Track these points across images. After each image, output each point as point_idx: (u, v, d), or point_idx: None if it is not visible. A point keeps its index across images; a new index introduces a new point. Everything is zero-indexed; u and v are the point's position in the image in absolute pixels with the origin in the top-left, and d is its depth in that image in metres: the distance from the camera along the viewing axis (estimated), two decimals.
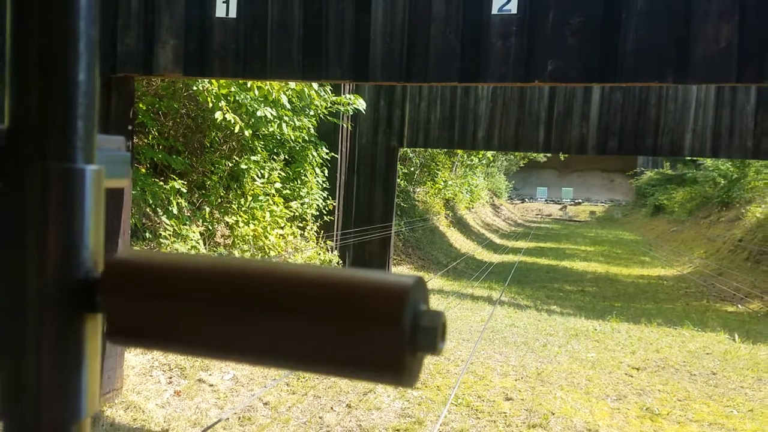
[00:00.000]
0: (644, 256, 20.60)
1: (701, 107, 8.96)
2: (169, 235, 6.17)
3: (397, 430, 4.95)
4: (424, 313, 0.32)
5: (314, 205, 8.21)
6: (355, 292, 0.31)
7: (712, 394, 6.17)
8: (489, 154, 21.37)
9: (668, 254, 20.70)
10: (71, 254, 0.33)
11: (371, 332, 0.30)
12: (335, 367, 0.31)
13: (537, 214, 44.69)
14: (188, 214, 6.63)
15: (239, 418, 5.06)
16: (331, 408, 5.34)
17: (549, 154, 28.15)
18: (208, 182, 7.08)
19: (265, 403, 5.34)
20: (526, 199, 49.95)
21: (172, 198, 6.31)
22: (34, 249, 0.33)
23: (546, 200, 50.75)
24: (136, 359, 5.76)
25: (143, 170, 6.44)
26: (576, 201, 49.94)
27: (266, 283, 0.32)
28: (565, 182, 51.47)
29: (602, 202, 49.33)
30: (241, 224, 7.08)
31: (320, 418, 5.13)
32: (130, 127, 5.31)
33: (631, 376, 6.60)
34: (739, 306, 11.74)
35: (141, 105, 6.67)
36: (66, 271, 0.33)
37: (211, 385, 5.65)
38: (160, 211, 6.23)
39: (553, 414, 5.45)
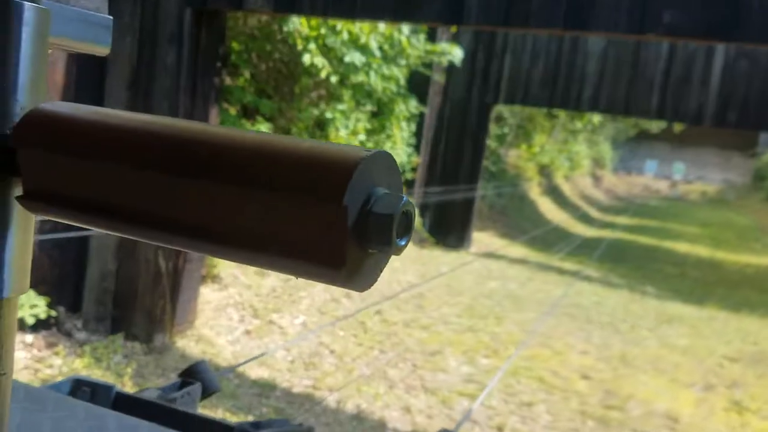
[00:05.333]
0: (756, 243, 19.10)
1: None
2: None
3: (461, 393, 4.78)
4: (382, 196, 0.26)
5: (397, 161, 8.01)
6: (296, 162, 0.26)
7: None
8: (595, 119, 20.23)
9: None
10: None
11: (309, 212, 0.25)
12: (272, 254, 0.26)
13: (643, 189, 42.49)
14: None
15: (304, 362, 5.06)
16: (396, 364, 5.25)
17: (662, 125, 26.36)
18: (294, 129, 7.04)
19: (332, 351, 5.32)
20: (633, 172, 47.43)
21: None
22: None
23: (655, 175, 47.98)
24: (212, 295, 5.89)
25: (233, 112, 6.47)
26: (687, 179, 46.94)
27: (202, 145, 0.27)
28: (677, 157, 48.29)
29: (716, 182, 46.13)
30: None
31: (384, 372, 5.05)
32: (218, 64, 5.28)
33: (724, 367, 6.09)
34: None
35: (235, 45, 6.66)
36: None
37: (280, 327, 5.70)
38: None
39: (633, 397, 5.10)
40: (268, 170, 0.26)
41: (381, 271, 0.28)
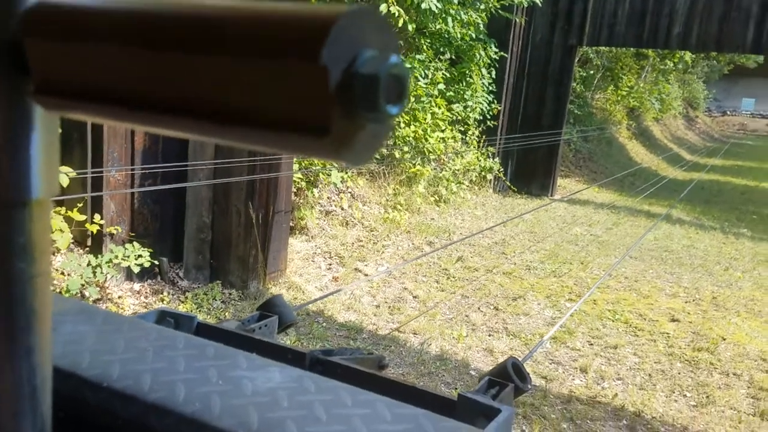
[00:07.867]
0: None
1: None
2: None
3: (544, 336, 4.83)
4: (368, 57, 0.24)
5: (478, 109, 7.89)
6: (272, 24, 0.24)
7: None
8: (687, 57, 19.03)
9: None
10: None
11: (289, 75, 0.23)
12: (256, 127, 0.25)
13: (739, 129, 39.87)
14: None
15: (389, 307, 5.24)
16: (479, 308, 5.34)
17: (760, 60, 24.54)
18: None
19: (415, 296, 5.48)
20: (728, 112, 44.47)
21: None
22: None
23: (752, 114, 44.81)
24: (301, 245, 6.15)
25: None
26: None
27: (178, 17, 0.27)
28: None
29: None
30: (402, 125, 7.06)
31: (466, 316, 5.16)
32: None
33: None
34: None
35: None
36: None
37: (366, 275, 5.90)
38: None
39: (724, 339, 4.98)
40: (242, 36, 0.24)
41: (378, 145, 0.25)
